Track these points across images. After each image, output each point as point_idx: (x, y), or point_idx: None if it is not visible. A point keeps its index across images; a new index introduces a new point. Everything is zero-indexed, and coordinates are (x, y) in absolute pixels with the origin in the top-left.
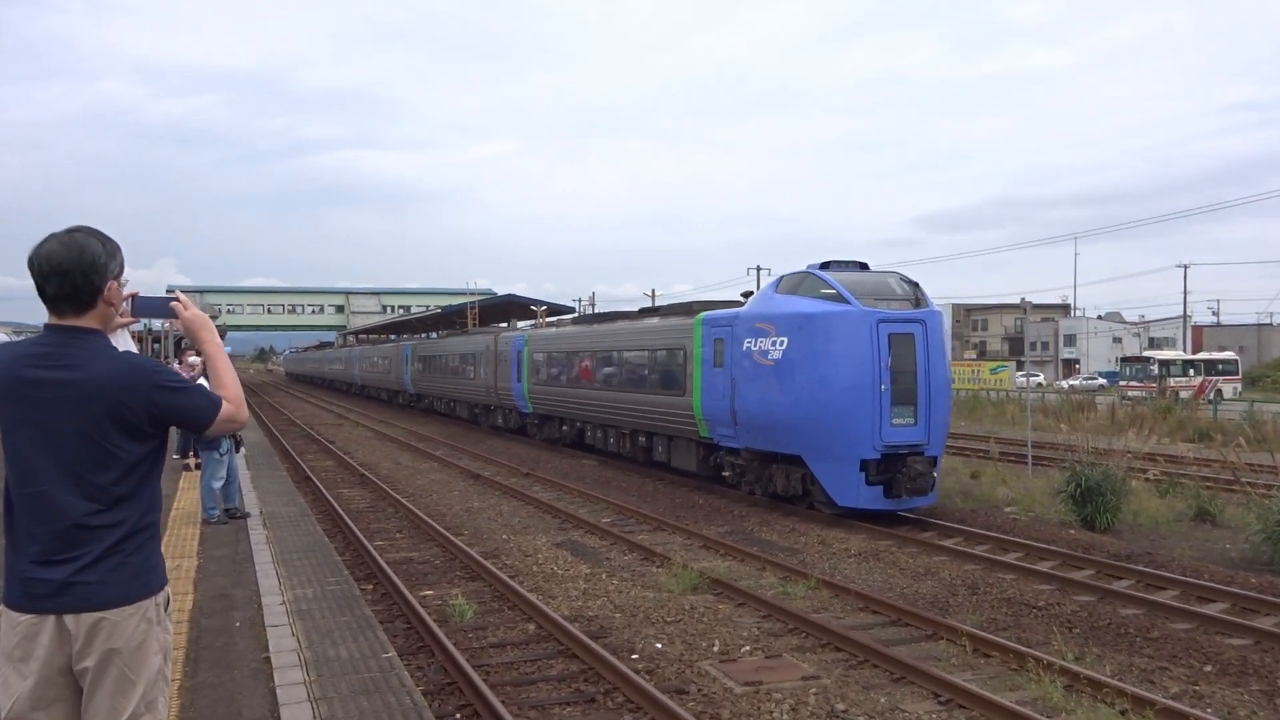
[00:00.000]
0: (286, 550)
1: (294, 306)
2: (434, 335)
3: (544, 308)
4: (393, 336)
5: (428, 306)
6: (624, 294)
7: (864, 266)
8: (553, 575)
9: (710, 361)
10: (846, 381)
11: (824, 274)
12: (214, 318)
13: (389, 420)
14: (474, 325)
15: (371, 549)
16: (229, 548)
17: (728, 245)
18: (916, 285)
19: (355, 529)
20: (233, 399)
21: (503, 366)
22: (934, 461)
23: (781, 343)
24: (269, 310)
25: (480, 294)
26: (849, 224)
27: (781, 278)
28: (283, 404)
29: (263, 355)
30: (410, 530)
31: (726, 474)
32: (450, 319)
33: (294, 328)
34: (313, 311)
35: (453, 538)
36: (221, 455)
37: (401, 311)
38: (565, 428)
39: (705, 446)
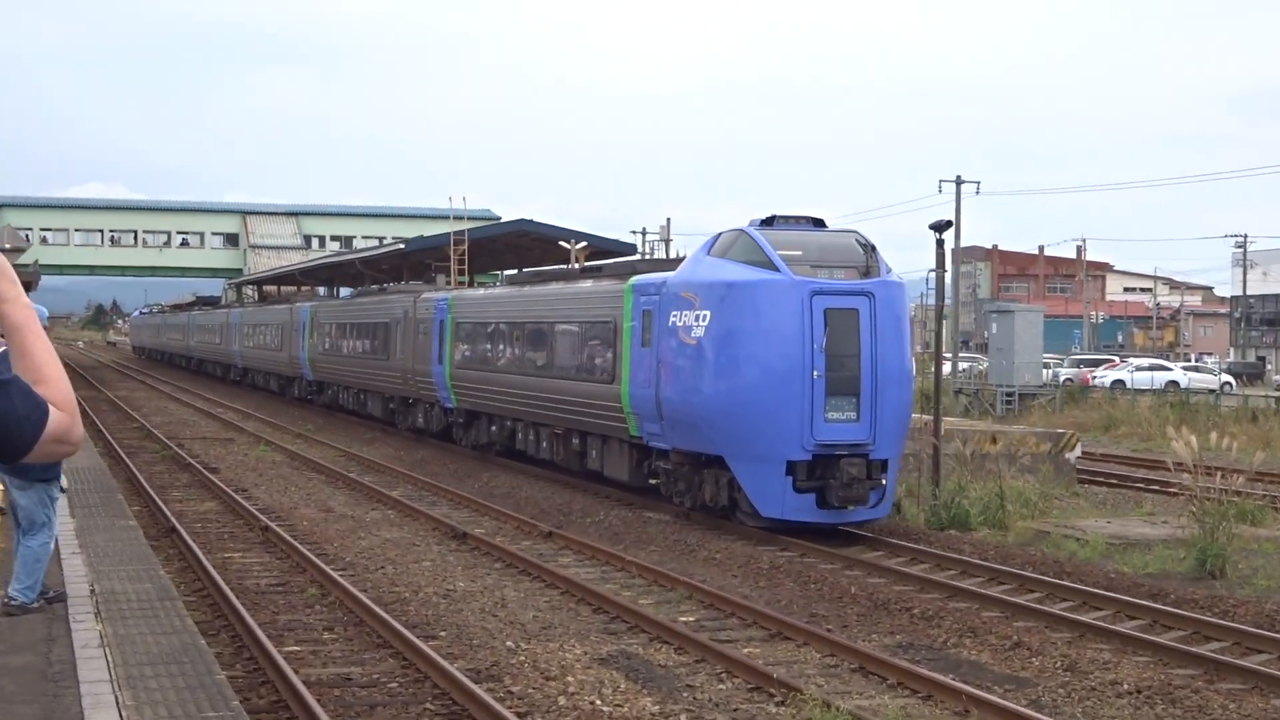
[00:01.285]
0: (135, 659)
1: (155, 236)
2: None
3: (582, 245)
4: (320, 293)
5: (381, 239)
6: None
7: (819, 224)
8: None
9: (639, 339)
10: (770, 366)
11: (757, 233)
12: (17, 254)
13: (292, 425)
14: (459, 274)
15: (281, 660)
16: (35, 654)
17: (910, 140)
18: (873, 250)
19: (253, 623)
20: (62, 400)
21: (423, 343)
22: (882, 465)
23: (704, 317)
24: (113, 241)
25: (474, 218)
26: (1123, 111)
27: (718, 236)
28: (133, 401)
29: (99, 319)
30: (348, 624)
31: (654, 481)
32: (420, 263)
33: (156, 271)
34: (187, 244)
35: (420, 643)
36: (62, 492)
37: (337, 247)
38: (495, 428)
39: (636, 449)
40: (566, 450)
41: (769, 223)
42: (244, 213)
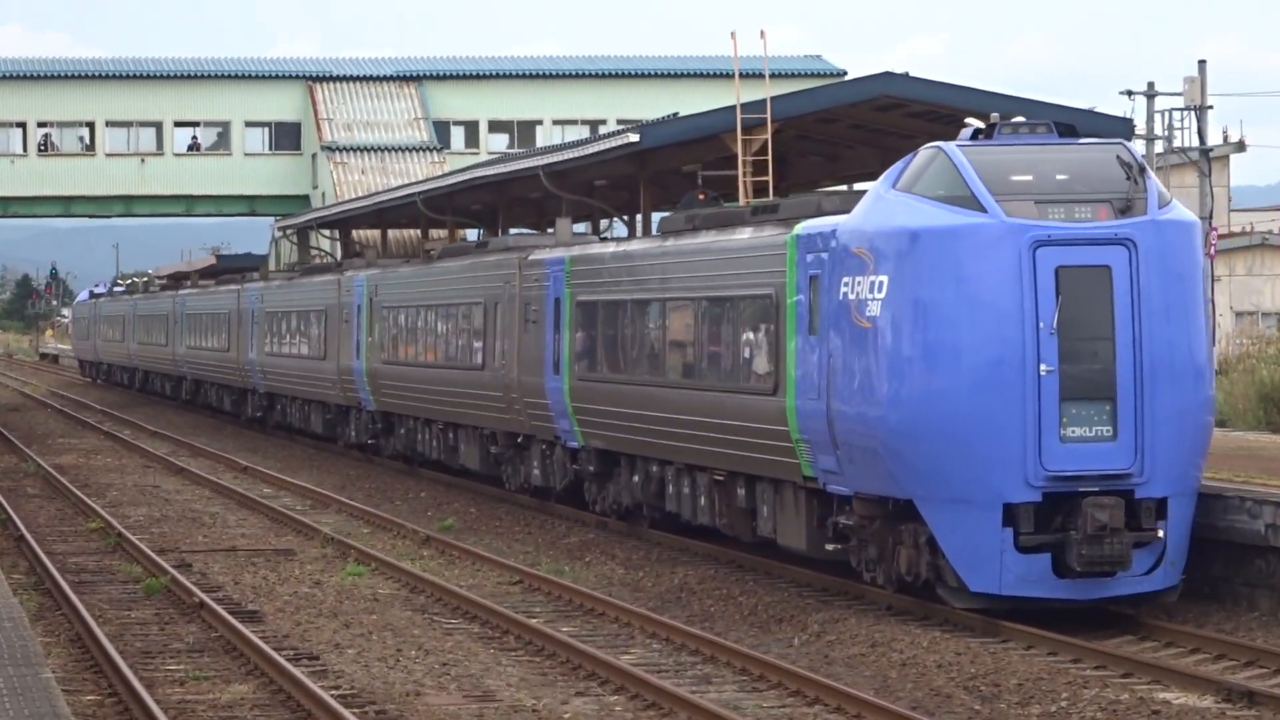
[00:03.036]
0: None
1: (133, 132)
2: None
3: (1015, 120)
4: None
5: (594, 125)
6: None
7: (1068, 131)
8: None
9: (805, 323)
10: (972, 358)
11: (957, 153)
12: None
13: (391, 511)
14: (754, 191)
15: None
16: None
17: None
18: (1141, 172)
19: None
20: None
21: (531, 338)
22: (1157, 508)
23: (879, 285)
24: (45, 145)
25: (785, 74)
26: None
27: (912, 156)
28: (89, 475)
29: (24, 306)
30: None
31: (831, 548)
32: (670, 174)
33: (132, 206)
34: (197, 145)
35: None
36: None
37: (505, 145)
38: (638, 479)
39: (815, 498)
40: (730, 507)
41: (988, 133)
42: (312, 78)
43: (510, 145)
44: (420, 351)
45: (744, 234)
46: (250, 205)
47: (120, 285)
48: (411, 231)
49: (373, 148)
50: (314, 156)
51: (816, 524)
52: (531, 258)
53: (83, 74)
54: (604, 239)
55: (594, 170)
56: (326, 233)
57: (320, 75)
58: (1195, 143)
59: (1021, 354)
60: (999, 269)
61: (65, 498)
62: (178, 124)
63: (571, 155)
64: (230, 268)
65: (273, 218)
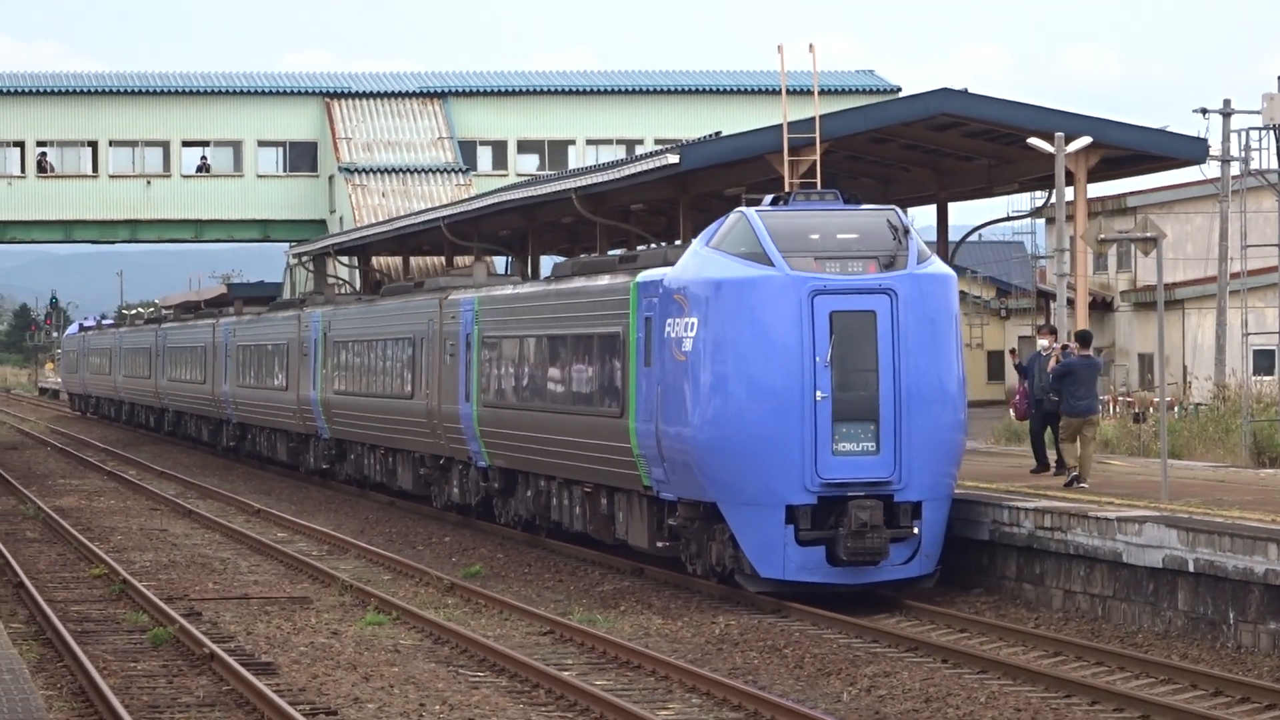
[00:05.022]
0: None
1: (138, 152)
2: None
3: (1081, 143)
4: (496, 269)
5: (631, 146)
6: None
7: (852, 200)
8: None
9: (643, 357)
10: (763, 385)
11: (755, 217)
12: None
13: (408, 555)
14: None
15: None
16: None
17: None
18: (905, 233)
19: None
20: None
21: (450, 370)
22: (913, 509)
23: (692, 325)
24: (44, 164)
25: (835, 90)
26: None
27: (722, 220)
28: (92, 518)
29: (22, 337)
30: None
31: (661, 545)
32: (710, 197)
33: (136, 231)
34: (208, 166)
35: None
36: None
37: (534, 167)
38: (530, 494)
39: (653, 504)
40: (595, 515)
41: (784, 200)
42: (329, 94)
43: (541, 167)
44: (365, 383)
45: (604, 280)
46: (264, 231)
47: (108, 319)
48: (435, 259)
49: (394, 169)
50: (331, 178)
51: (656, 525)
52: (450, 297)
53: (84, 89)
54: (514, 281)
55: (630, 193)
56: (345, 259)
57: (338, 91)
58: (1274, 164)
59: (801, 382)
60: (784, 313)
61: (67, 542)
62: (186, 143)
63: (606, 177)
64: (243, 297)
65: (288, 244)
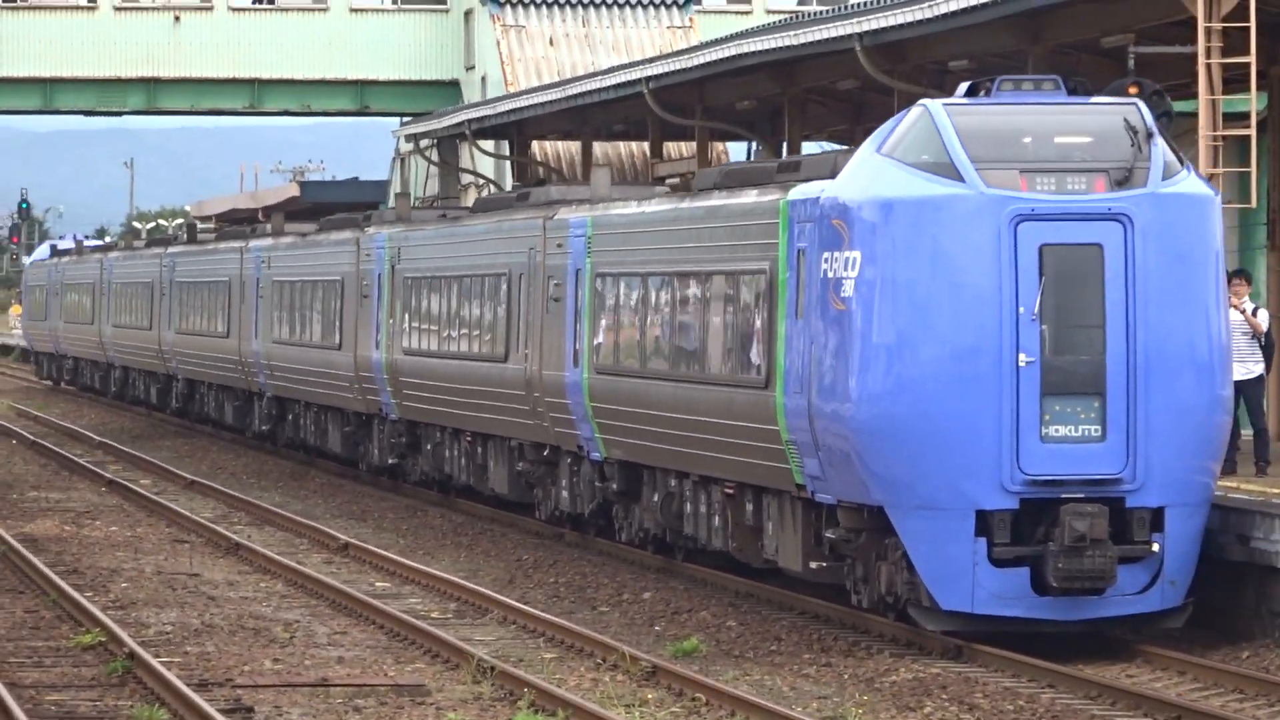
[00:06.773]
0: None
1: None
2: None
3: None
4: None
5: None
6: None
7: (1072, 90)
8: None
9: (794, 303)
10: (945, 345)
11: (940, 113)
12: None
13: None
14: None
15: None
16: None
17: None
18: (1149, 137)
19: None
20: None
21: (554, 319)
22: (1152, 518)
23: (853, 262)
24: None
25: None
26: None
27: (901, 116)
28: (82, 554)
29: None
30: None
31: (814, 565)
32: None
33: (201, 92)
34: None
35: None
36: None
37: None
38: (657, 498)
39: (810, 509)
40: (739, 526)
41: (984, 90)
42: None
43: (805, 1)
44: (443, 339)
45: (748, 197)
46: (360, 98)
47: (97, 240)
48: (636, 145)
49: (569, 1)
50: (468, 14)
51: (814, 540)
52: (556, 217)
53: None
54: (643, 194)
55: (946, 43)
56: (488, 145)
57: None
58: None
59: (998, 342)
60: (977, 246)
61: (42, 592)
62: None
63: (912, 17)
64: (326, 204)
65: (398, 119)
